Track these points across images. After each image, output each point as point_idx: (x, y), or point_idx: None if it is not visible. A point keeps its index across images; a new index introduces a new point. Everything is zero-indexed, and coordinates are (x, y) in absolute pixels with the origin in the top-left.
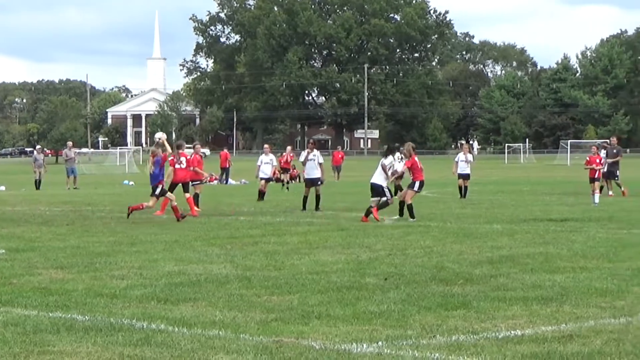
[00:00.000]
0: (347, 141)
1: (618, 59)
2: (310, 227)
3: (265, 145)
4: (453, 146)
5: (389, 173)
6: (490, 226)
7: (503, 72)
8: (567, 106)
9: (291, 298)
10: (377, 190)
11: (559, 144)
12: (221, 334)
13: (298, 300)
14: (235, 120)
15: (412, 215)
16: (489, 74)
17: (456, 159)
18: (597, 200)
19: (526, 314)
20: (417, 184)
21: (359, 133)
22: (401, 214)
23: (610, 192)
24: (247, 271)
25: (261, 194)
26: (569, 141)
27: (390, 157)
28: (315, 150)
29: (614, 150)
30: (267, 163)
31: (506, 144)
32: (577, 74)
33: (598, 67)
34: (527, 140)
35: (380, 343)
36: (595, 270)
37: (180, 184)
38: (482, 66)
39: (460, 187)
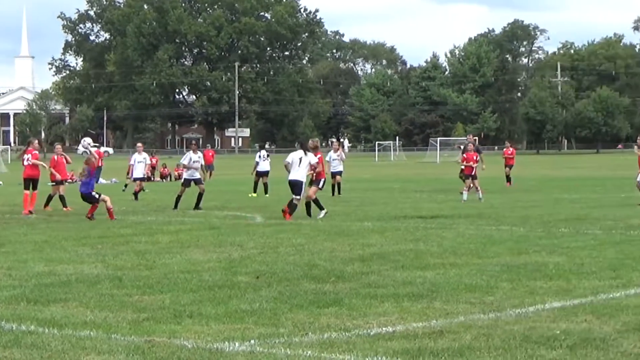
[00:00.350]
0: (218, 140)
1: (486, 58)
2: (181, 226)
3: (139, 144)
4: (324, 144)
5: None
6: (361, 224)
7: (373, 70)
8: (436, 104)
9: (163, 297)
10: (299, 187)
11: (428, 142)
12: (92, 335)
13: (170, 300)
14: (105, 119)
15: (321, 207)
16: (359, 72)
17: (327, 158)
18: (465, 197)
19: (397, 310)
20: (321, 182)
21: (229, 132)
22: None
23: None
24: (119, 271)
25: (136, 194)
26: (439, 139)
27: (311, 154)
28: (198, 152)
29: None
30: (140, 162)
31: (376, 142)
32: (446, 73)
33: (466, 65)
34: (397, 138)
35: (252, 341)
36: (465, 267)
37: (30, 181)
38: (352, 64)
39: (333, 185)
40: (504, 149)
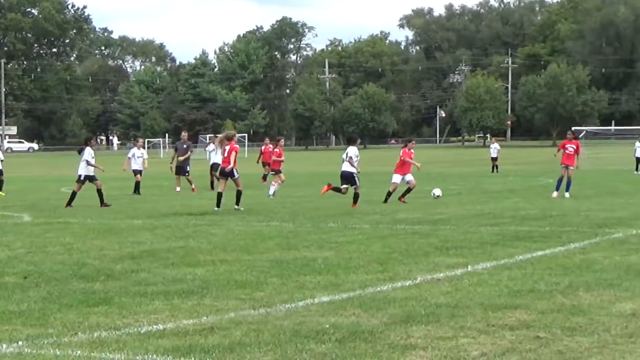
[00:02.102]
0: None
1: (255, 55)
2: None
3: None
4: (100, 141)
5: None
6: (131, 221)
7: (142, 67)
8: (206, 101)
9: None
10: (347, 178)
11: (198, 139)
12: None
13: None
14: None
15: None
16: (129, 70)
17: (130, 155)
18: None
19: (168, 308)
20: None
21: None
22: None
23: (178, 189)
24: None
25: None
26: (208, 135)
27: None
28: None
29: (184, 146)
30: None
31: (146, 139)
32: (216, 69)
33: (235, 62)
34: (167, 135)
35: (20, 343)
36: (235, 263)
37: None
38: (121, 61)
39: (138, 182)
40: (264, 147)
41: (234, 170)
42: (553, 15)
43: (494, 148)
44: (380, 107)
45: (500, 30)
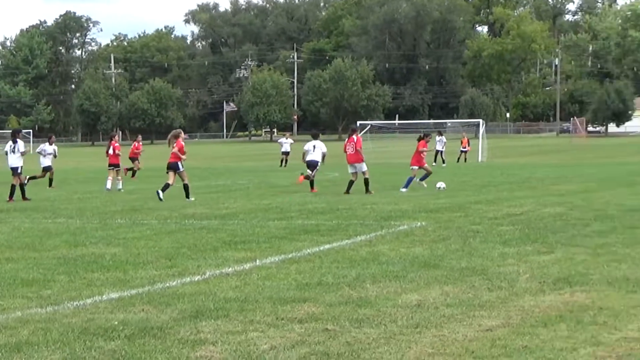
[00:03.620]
0: None
1: (39, 49)
2: None
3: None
4: None
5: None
6: None
7: None
8: None
9: None
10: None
11: None
12: None
13: None
14: None
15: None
16: None
17: (38, 150)
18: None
19: None
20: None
21: None
22: None
23: None
24: None
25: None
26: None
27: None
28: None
29: None
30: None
31: None
32: None
33: (19, 57)
34: None
35: None
36: (21, 261)
37: None
38: None
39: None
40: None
41: (179, 164)
42: (338, 11)
43: (288, 142)
44: (167, 102)
45: (285, 25)
